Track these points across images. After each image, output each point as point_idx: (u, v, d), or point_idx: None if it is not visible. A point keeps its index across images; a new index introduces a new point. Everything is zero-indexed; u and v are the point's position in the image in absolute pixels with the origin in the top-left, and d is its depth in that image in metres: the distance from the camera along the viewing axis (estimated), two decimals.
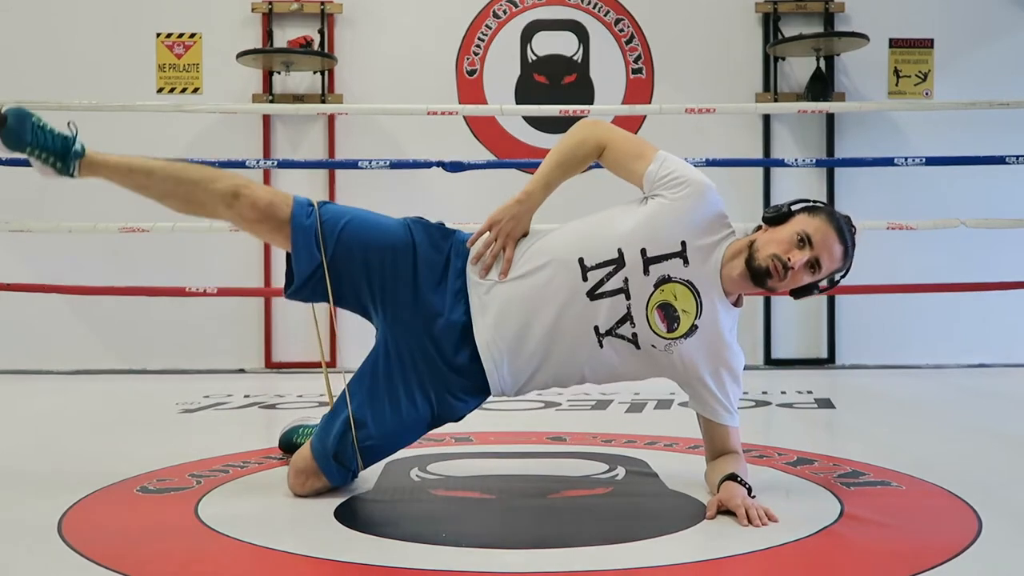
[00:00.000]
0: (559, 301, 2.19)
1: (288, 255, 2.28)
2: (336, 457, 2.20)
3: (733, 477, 2.12)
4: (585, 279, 2.19)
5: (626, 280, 2.18)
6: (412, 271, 2.25)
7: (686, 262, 2.18)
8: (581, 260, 2.20)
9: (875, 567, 1.79)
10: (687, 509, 2.13)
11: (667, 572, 1.73)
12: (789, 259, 2.14)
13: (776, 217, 2.22)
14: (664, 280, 2.18)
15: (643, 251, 2.18)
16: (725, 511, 2.04)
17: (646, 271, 2.18)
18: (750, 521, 1.97)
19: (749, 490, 2.10)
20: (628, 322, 2.19)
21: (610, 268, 2.19)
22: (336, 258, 2.24)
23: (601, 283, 2.18)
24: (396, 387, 2.22)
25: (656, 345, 2.20)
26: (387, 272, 2.25)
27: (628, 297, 2.18)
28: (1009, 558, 1.83)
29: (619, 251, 2.19)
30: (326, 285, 2.24)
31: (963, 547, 1.85)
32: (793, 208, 2.23)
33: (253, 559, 1.82)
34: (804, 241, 2.16)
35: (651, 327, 2.19)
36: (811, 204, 2.24)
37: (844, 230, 2.18)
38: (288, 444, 2.60)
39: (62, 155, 2.28)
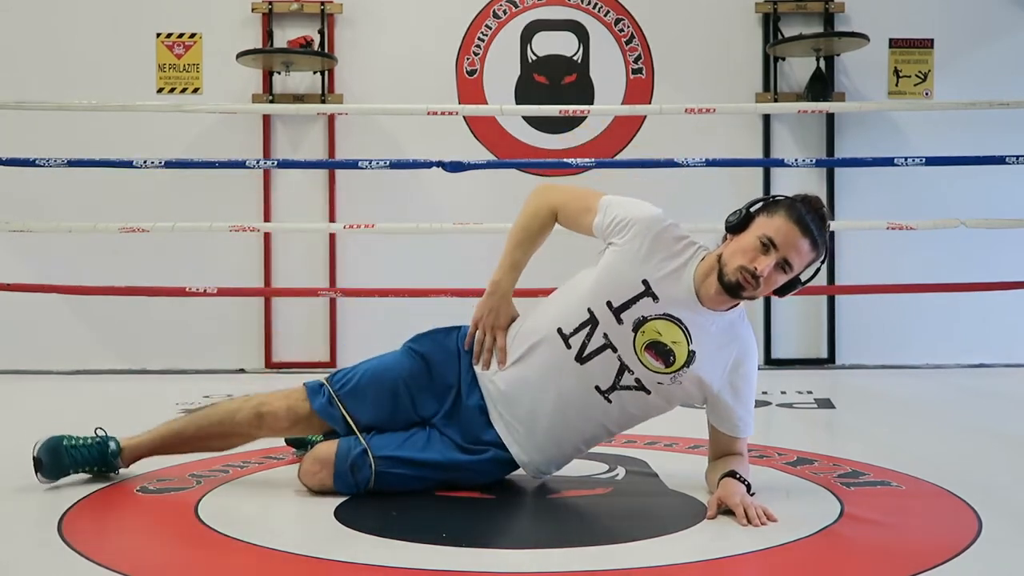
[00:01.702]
0: (554, 375, 2.23)
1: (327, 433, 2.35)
2: (352, 467, 2.21)
3: (733, 474, 2.12)
4: (568, 347, 2.22)
5: (605, 335, 2.20)
6: (429, 379, 2.32)
7: (655, 298, 2.18)
8: (560, 330, 2.23)
9: (875, 567, 1.80)
10: (687, 509, 2.13)
11: (667, 572, 1.73)
12: (756, 268, 2.12)
13: (737, 224, 2.19)
14: (641, 322, 2.18)
15: (608, 303, 2.19)
16: (725, 511, 2.04)
17: (619, 320, 2.19)
18: (749, 520, 1.97)
19: (748, 488, 2.10)
20: (626, 371, 2.20)
21: (586, 329, 2.21)
22: (364, 410, 2.29)
23: (584, 346, 2.21)
24: (427, 445, 2.26)
25: (662, 382, 2.21)
26: (414, 395, 2.31)
27: (615, 349, 2.19)
28: (1009, 558, 1.84)
29: (588, 311, 2.21)
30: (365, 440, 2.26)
31: (963, 547, 1.85)
32: (752, 210, 2.19)
33: (253, 559, 1.82)
34: (767, 245, 2.13)
35: (648, 368, 2.19)
36: (768, 201, 2.20)
37: (806, 221, 2.13)
38: (299, 440, 2.60)
39: (102, 460, 2.36)
